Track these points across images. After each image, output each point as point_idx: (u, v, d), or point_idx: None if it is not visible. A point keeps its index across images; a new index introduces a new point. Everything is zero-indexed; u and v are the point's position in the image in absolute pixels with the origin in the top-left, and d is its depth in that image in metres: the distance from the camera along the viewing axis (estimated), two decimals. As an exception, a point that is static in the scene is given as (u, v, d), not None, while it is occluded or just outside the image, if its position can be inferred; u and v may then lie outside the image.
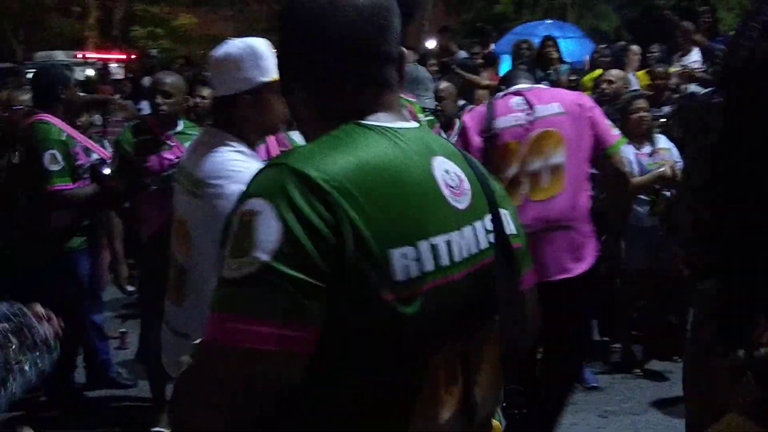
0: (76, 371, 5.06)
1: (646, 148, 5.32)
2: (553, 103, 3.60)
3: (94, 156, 4.49)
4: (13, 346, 1.64)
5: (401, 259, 1.17)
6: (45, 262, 4.52)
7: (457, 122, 5.65)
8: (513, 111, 3.60)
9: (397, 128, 1.30)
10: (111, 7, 33.09)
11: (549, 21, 15.25)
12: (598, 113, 3.70)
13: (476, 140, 3.58)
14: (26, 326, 1.66)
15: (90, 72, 12.05)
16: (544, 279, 3.45)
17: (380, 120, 1.30)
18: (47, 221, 4.43)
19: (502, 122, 3.57)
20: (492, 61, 9.01)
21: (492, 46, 10.21)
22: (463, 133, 3.63)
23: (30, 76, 12.41)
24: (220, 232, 1.99)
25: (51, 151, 4.23)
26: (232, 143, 2.47)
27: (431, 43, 21.05)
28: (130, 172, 3.99)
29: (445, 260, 1.25)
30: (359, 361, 1.18)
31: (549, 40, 8.61)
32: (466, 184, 1.35)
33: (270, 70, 2.44)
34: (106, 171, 4.30)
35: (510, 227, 1.42)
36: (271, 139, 4.93)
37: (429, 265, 1.22)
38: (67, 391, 4.79)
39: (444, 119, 5.45)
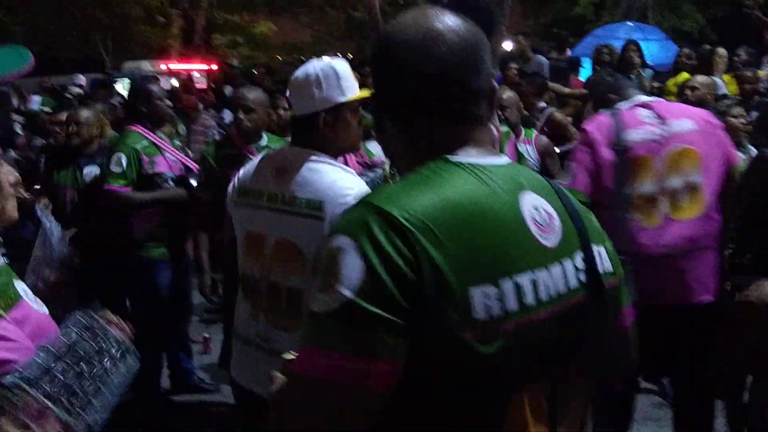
0: (161, 376, 5.22)
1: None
2: (684, 118, 3.47)
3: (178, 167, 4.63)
4: (99, 357, 1.70)
5: (482, 298, 1.17)
6: (125, 270, 4.70)
7: (523, 130, 5.57)
8: (644, 124, 3.47)
9: (486, 165, 1.30)
10: (193, 17, 34.08)
11: (629, 23, 14.88)
12: (723, 131, 3.59)
13: (606, 153, 3.42)
14: (101, 333, 1.72)
15: (175, 82, 12.43)
16: (689, 302, 3.37)
17: (469, 156, 1.30)
18: (128, 230, 4.59)
19: (633, 135, 3.43)
20: (575, 66, 8.86)
21: (568, 51, 10.04)
22: (591, 145, 3.47)
23: (118, 86, 12.98)
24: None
25: (119, 154, 4.44)
26: (329, 161, 2.54)
27: (507, 45, 20.97)
28: (214, 184, 4.09)
29: (530, 300, 1.23)
30: (441, 397, 1.18)
31: (632, 44, 8.41)
32: (556, 221, 1.33)
33: (349, 89, 2.49)
34: (194, 182, 4.45)
35: (604, 265, 1.39)
36: None
37: (512, 305, 1.21)
38: (152, 395, 4.94)
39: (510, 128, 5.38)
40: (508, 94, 5.60)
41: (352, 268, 1.13)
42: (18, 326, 1.72)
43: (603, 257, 1.39)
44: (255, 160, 2.76)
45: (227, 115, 9.53)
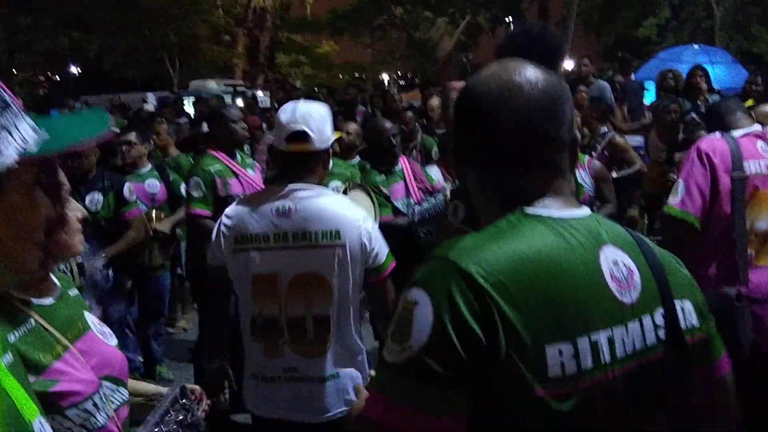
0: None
1: None
2: None
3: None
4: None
5: (557, 356, 1.16)
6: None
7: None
8: (762, 156, 3.32)
9: (566, 218, 1.29)
10: (258, 36, 34.82)
11: (695, 46, 14.63)
12: None
13: (725, 180, 3.26)
14: (188, 410, 1.79)
15: (240, 102, 12.72)
16: None
17: (549, 208, 1.30)
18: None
19: (752, 166, 3.28)
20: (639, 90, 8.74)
21: (632, 76, 9.92)
22: (708, 167, 3.30)
23: (186, 104, 13.36)
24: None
25: (195, 178, 4.57)
26: (327, 191, 2.82)
27: (568, 64, 20.72)
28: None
29: (606, 357, 1.22)
30: None
31: (698, 69, 8.26)
32: (636, 276, 1.30)
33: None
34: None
35: (687, 320, 1.35)
36: (409, 173, 5.02)
37: (588, 362, 1.19)
38: (214, 412, 5.04)
39: None
40: None
41: (423, 323, 1.14)
42: (84, 357, 1.77)
43: (688, 312, 1.35)
44: (238, 207, 2.80)
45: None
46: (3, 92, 0.91)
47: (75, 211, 1.70)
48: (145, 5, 28.84)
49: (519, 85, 1.31)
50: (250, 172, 4.82)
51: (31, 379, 1.58)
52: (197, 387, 1.85)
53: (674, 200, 3.30)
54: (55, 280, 1.84)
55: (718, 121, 3.65)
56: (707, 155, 3.32)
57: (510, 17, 31.06)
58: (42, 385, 1.59)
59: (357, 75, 35.45)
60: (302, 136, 2.66)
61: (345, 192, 4.28)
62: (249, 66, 34.92)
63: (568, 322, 1.19)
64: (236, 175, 4.65)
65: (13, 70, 32.94)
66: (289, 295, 2.66)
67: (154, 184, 5.54)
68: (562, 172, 1.34)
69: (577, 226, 1.28)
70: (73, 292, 1.92)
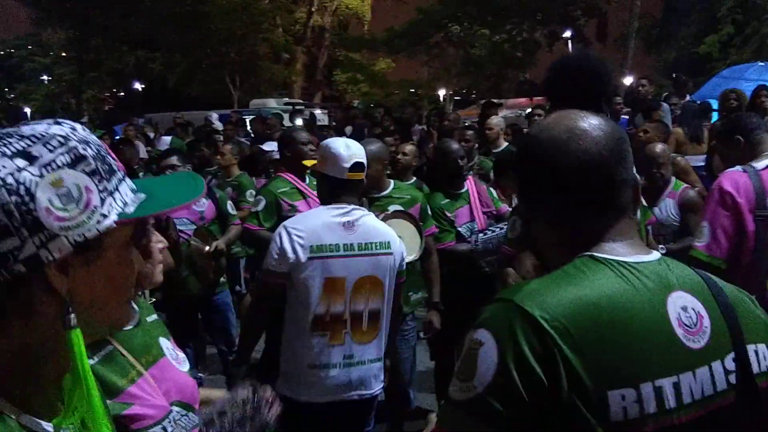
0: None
1: None
2: None
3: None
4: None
5: (620, 401, 1.16)
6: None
7: (672, 183, 5.24)
8: None
9: (633, 262, 1.29)
10: (316, 54, 35.34)
11: (760, 63, 14.24)
12: None
13: (749, 220, 3.20)
14: (257, 412, 1.82)
15: (299, 121, 12.93)
16: None
17: (616, 252, 1.30)
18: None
19: None
20: (706, 112, 8.53)
21: (687, 97, 9.71)
22: (732, 209, 3.24)
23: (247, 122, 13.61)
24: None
25: (258, 197, 4.72)
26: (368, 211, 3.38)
27: (627, 80, 20.43)
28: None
29: (670, 403, 1.21)
30: None
31: (763, 90, 8.04)
32: (706, 322, 1.29)
33: None
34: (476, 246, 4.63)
35: (763, 364, 1.32)
36: (475, 197, 4.95)
37: (651, 408, 1.18)
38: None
39: (662, 184, 5.06)
40: (661, 148, 5.16)
41: (488, 364, 1.17)
42: (156, 383, 1.83)
43: (762, 356, 1.32)
44: (306, 220, 3.27)
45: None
46: (110, 158, 0.98)
47: (157, 242, 1.79)
48: (207, 25, 29.62)
49: (583, 129, 1.34)
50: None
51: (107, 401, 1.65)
52: (269, 388, 1.87)
53: (700, 244, 3.26)
54: (135, 307, 1.91)
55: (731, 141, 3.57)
56: (731, 195, 3.26)
57: (568, 33, 30.88)
58: (116, 408, 1.66)
59: (413, 91, 35.64)
60: (360, 168, 3.26)
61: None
62: (306, 83, 35.43)
63: (631, 368, 1.19)
64: (304, 197, 4.73)
65: (82, 88, 34.16)
66: (353, 294, 3.18)
67: (202, 203, 5.63)
68: (627, 212, 1.35)
69: (645, 271, 1.28)
70: (151, 317, 2.00)
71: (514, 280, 3.77)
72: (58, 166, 0.89)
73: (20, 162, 0.88)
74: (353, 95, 33.68)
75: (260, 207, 4.56)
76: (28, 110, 43.57)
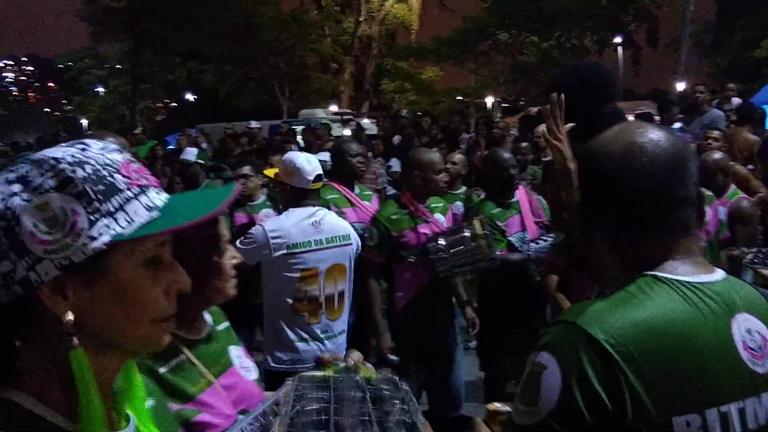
0: None
1: None
2: None
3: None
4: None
5: (684, 427, 1.15)
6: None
7: (729, 190, 5.12)
8: None
9: (696, 282, 1.26)
10: (364, 63, 35.55)
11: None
12: None
13: None
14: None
15: (347, 131, 13.04)
16: None
17: (678, 271, 1.27)
18: None
19: None
20: (748, 117, 8.35)
21: (733, 102, 9.47)
22: None
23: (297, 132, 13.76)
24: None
25: None
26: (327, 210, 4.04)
27: (680, 86, 20.02)
28: (389, 246, 4.18)
29: (735, 429, 1.19)
30: None
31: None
32: None
33: None
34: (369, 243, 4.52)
35: None
36: (526, 207, 4.89)
37: None
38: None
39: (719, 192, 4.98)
40: (714, 157, 5.11)
41: (552, 389, 1.17)
42: (226, 392, 1.85)
43: None
44: (279, 224, 3.78)
45: (395, 164, 9.86)
46: (116, 177, 0.95)
47: (231, 259, 1.83)
48: (257, 36, 30.07)
49: (642, 145, 1.31)
50: (366, 203, 4.97)
51: (177, 406, 1.68)
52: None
53: None
54: (207, 318, 1.96)
55: None
56: None
57: (618, 39, 30.48)
58: (187, 413, 1.70)
59: (460, 99, 35.57)
60: (320, 178, 3.87)
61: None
62: (354, 93, 35.65)
63: (696, 394, 1.17)
64: (352, 205, 4.80)
65: (136, 99, 34.97)
66: (325, 280, 3.73)
67: (269, 214, 5.73)
68: (690, 230, 1.32)
69: (709, 292, 1.25)
70: (223, 325, 2.04)
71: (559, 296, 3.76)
72: (45, 190, 0.91)
73: (16, 187, 0.91)
74: (401, 104, 33.76)
75: None
76: (84, 122, 44.75)
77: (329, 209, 4.66)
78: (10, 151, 13.91)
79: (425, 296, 4.12)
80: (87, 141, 0.98)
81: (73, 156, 0.94)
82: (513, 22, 28.47)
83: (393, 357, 4.07)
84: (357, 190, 5.00)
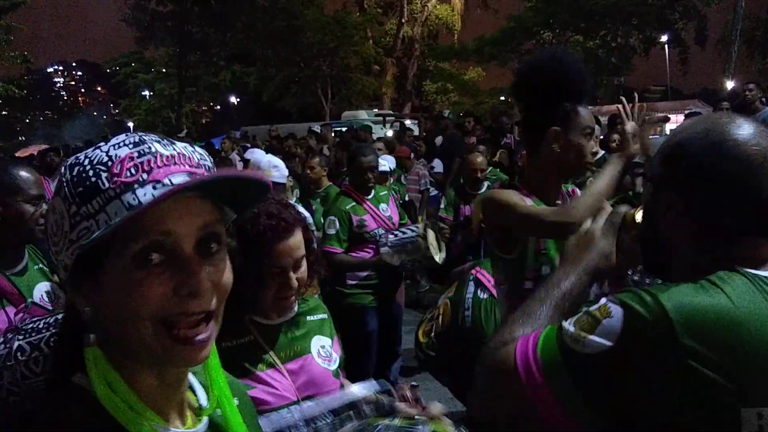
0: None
1: None
2: None
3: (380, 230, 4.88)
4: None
5: (756, 420, 1.15)
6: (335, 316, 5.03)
7: None
8: None
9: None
10: (406, 65, 35.56)
11: None
12: None
13: None
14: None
15: (389, 133, 13.02)
16: None
17: (761, 269, 1.27)
18: (342, 279, 4.95)
19: None
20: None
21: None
22: None
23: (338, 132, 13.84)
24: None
25: (330, 217, 4.89)
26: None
27: (730, 84, 19.60)
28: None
29: None
30: None
31: None
32: None
33: None
34: (383, 249, 4.65)
35: None
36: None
37: None
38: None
39: None
40: None
41: (605, 336, 1.21)
42: (292, 376, 2.01)
43: None
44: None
45: (437, 165, 9.81)
46: (104, 177, 0.91)
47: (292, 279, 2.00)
48: (300, 39, 30.30)
49: (736, 142, 1.30)
50: (383, 206, 5.02)
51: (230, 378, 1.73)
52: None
53: None
54: (295, 307, 2.13)
55: None
56: None
57: (664, 37, 29.92)
58: (241, 387, 1.75)
59: (503, 99, 35.35)
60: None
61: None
62: (397, 94, 35.68)
63: (764, 387, 1.16)
64: (368, 212, 4.88)
65: (181, 102, 35.52)
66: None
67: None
68: None
69: None
70: (316, 316, 2.22)
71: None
72: (55, 193, 0.95)
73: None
74: (443, 105, 33.67)
75: (335, 227, 4.74)
76: (131, 124, 45.62)
77: (350, 219, 4.77)
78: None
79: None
80: (112, 137, 0.97)
81: (77, 157, 0.95)
82: (557, 20, 28.15)
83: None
84: (372, 193, 5.08)
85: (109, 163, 0.91)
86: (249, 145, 13.47)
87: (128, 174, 0.90)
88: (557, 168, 2.60)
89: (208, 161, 0.99)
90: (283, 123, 20.93)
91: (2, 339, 1.10)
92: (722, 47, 27.12)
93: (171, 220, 0.91)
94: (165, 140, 0.97)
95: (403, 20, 34.04)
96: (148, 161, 0.92)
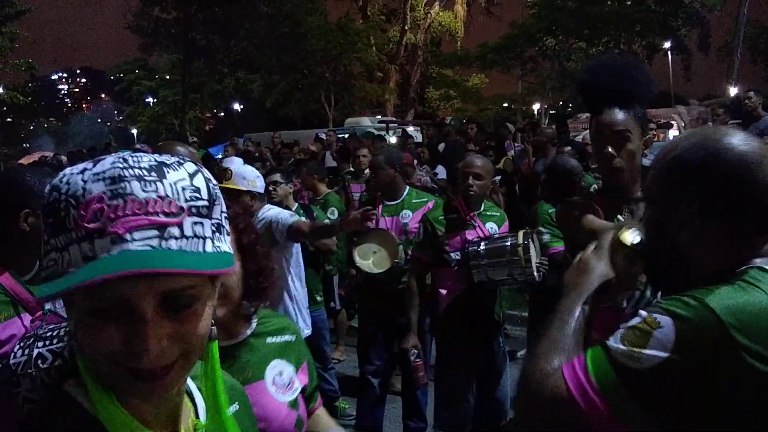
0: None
1: None
2: None
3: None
4: None
5: None
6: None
7: None
8: None
9: None
10: (409, 72, 35.61)
11: None
12: None
13: None
14: None
15: (392, 140, 13.03)
16: None
17: None
18: None
19: None
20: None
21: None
22: None
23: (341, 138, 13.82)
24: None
25: (332, 208, 5.16)
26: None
27: (733, 91, 19.59)
28: (434, 246, 4.22)
29: None
30: None
31: None
32: None
33: None
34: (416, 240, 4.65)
35: None
36: None
37: None
38: None
39: None
40: None
41: (660, 347, 1.23)
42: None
43: None
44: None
45: (440, 171, 9.82)
46: (72, 214, 0.87)
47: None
48: (303, 46, 30.37)
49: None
50: (420, 210, 4.97)
51: None
52: None
53: None
54: (252, 326, 1.94)
55: None
56: None
57: (667, 44, 29.93)
58: (240, 390, 1.72)
59: (506, 106, 35.37)
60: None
61: None
62: (400, 101, 35.73)
63: None
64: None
65: (185, 109, 35.61)
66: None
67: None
68: None
69: None
70: (279, 338, 1.99)
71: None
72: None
73: None
74: (446, 111, 33.71)
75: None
76: (134, 131, 45.68)
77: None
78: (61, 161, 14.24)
79: (466, 302, 4.00)
80: (98, 159, 0.91)
81: (61, 178, 0.90)
82: (561, 27, 28.18)
83: (415, 354, 4.06)
84: (408, 196, 5.02)
85: (81, 200, 0.86)
86: (256, 153, 13.52)
87: (93, 219, 0.85)
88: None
89: (203, 198, 0.91)
90: (286, 130, 20.94)
91: (20, 346, 1.09)
92: (725, 54, 27.14)
93: (127, 286, 0.85)
94: (153, 174, 0.89)
95: (406, 27, 34.12)
96: (116, 207, 0.85)
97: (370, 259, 4.73)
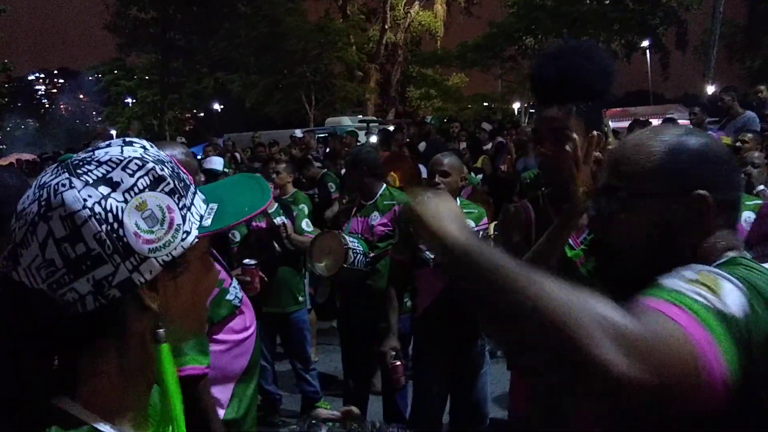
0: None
1: None
2: None
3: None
4: None
5: None
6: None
7: None
8: None
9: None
10: (389, 71, 35.63)
11: None
12: None
13: None
14: None
15: (373, 139, 12.98)
16: None
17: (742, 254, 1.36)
18: None
19: None
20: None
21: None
22: None
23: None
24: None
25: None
26: None
27: (710, 89, 19.78)
28: (410, 246, 4.15)
29: None
30: None
31: None
32: None
33: None
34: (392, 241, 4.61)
35: None
36: None
37: None
38: None
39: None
40: (757, 155, 5.01)
41: (734, 296, 1.18)
42: None
43: None
44: None
45: (422, 171, 9.83)
46: (183, 173, 0.99)
47: None
48: (283, 46, 30.28)
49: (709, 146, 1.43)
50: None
51: None
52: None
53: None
54: None
55: None
56: None
57: (645, 42, 30.17)
58: None
59: (487, 105, 35.45)
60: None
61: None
62: (380, 100, 35.73)
63: None
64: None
65: (164, 109, 35.39)
66: None
67: (281, 221, 5.66)
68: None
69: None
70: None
71: None
72: (140, 190, 0.92)
73: (104, 189, 0.90)
74: (427, 111, 33.75)
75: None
76: (113, 132, 45.34)
77: None
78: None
79: (445, 302, 3.90)
80: (132, 140, 0.98)
81: (150, 155, 0.96)
82: (540, 26, 28.31)
83: (393, 356, 3.98)
84: (380, 197, 5.02)
85: (174, 161, 1.01)
86: (238, 154, 13.43)
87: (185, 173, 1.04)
88: None
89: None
90: (267, 129, 20.84)
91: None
92: (702, 52, 27.39)
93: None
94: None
95: (386, 26, 34.13)
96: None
97: (323, 262, 4.68)
